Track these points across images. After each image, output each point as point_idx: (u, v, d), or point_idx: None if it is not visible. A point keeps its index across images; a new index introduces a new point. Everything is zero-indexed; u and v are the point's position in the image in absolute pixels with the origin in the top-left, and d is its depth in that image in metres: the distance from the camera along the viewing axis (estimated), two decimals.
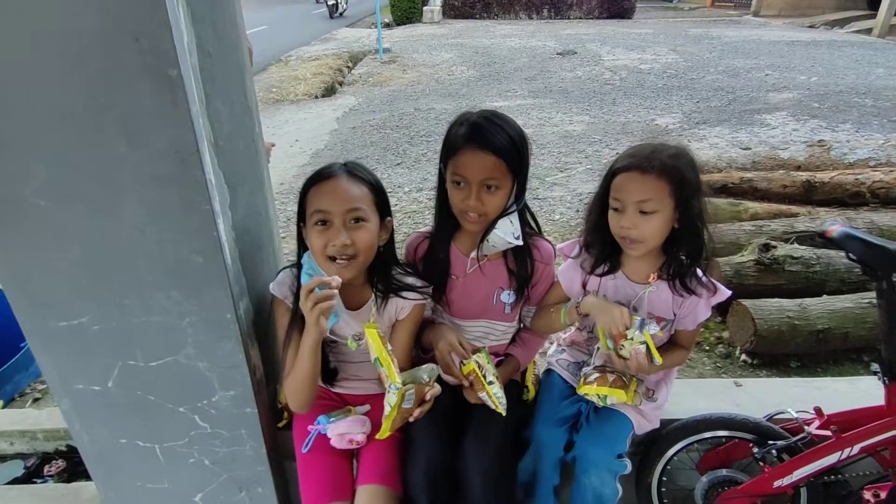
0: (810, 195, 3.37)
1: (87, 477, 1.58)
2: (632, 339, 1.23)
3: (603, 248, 1.35)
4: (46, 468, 1.88)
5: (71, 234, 1.11)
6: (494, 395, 1.27)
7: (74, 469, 1.87)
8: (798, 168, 3.65)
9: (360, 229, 1.21)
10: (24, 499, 1.68)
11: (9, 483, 1.85)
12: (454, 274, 1.41)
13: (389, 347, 1.18)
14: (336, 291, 1.14)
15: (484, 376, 1.28)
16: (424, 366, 1.23)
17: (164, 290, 1.17)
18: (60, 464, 1.89)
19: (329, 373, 1.38)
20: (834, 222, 1.45)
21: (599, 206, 1.32)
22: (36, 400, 2.48)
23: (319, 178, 1.23)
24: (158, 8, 0.92)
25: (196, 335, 1.22)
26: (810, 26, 13.25)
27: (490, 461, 1.26)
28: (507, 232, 1.30)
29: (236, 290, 1.21)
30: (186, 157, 1.04)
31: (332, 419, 1.33)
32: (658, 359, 1.24)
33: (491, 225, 1.30)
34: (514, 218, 1.31)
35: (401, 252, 1.46)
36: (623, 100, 6.83)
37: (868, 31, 11.71)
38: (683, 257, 1.30)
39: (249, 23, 1.31)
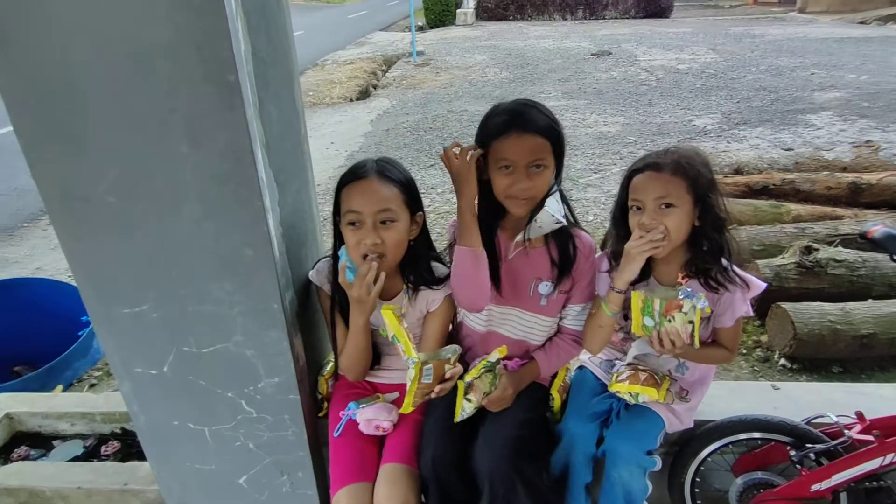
0: (856, 197, 3.24)
1: (141, 457, 1.67)
2: (685, 312, 1.22)
3: None
4: (103, 448, 1.99)
5: (136, 229, 1.20)
6: (462, 406, 1.30)
7: (128, 450, 1.98)
8: (843, 169, 3.52)
9: (389, 230, 1.27)
10: (85, 474, 1.79)
11: (69, 461, 1.97)
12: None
13: (405, 325, 1.24)
14: (375, 266, 1.24)
15: (469, 386, 1.30)
16: (448, 346, 1.28)
17: (217, 280, 1.25)
18: (116, 445, 2.00)
19: (374, 355, 1.44)
20: (876, 223, 1.42)
21: (621, 215, 1.35)
22: (92, 385, 2.64)
23: (352, 177, 1.29)
24: (219, 19, 0.99)
25: (245, 324, 1.29)
26: (861, 22, 12.65)
27: (499, 462, 1.27)
28: (555, 210, 1.31)
29: (283, 281, 1.28)
30: (241, 157, 1.11)
31: (361, 405, 1.39)
32: (697, 342, 1.25)
33: (536, 208, 1.31)
34: (558, 197, 1.33)
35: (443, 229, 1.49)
36: (659, 100, 6.70)
37: None
38: (706, 250, 1.31)
39: None
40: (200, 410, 1.44)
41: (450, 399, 1.36)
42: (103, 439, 2.04)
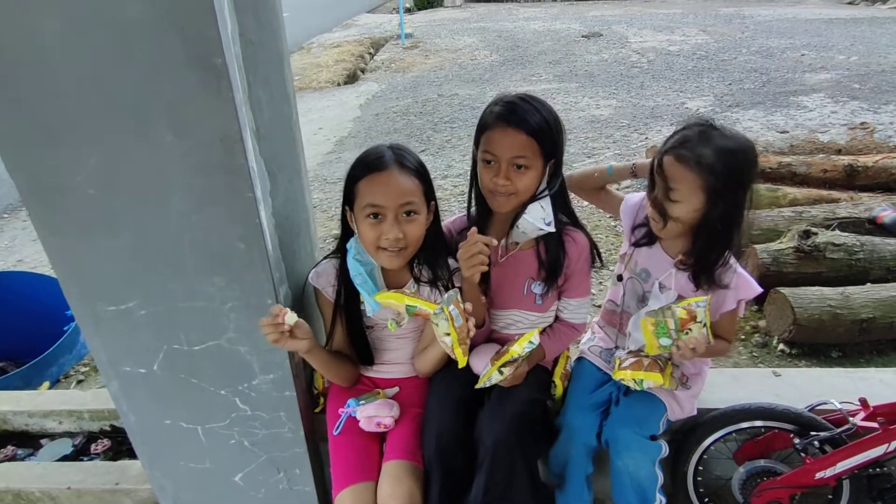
0: (852, 180, 3.22)
1: (131, 455, 1.63)
2: (701, 321, 1.22)
3: None
4: (93, 447, 1.95)
5: (119, 222, 1.14)
6: (490, 376, 1.27)
7: (119, 448, 1.93)
8: (839, 152, 3.50)
9: (411, 223, 1.22)
10: (74, 474, 1.74)
11: (58, 461, 1.92)
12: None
13: (407, 290, 1.19)
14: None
15: (513, 361, 1.26)
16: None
17: (207, 275, 1.19)
18: (106, 443, 1.95)
19: (369, 356, 1.40)
20: (885, 208, 1.40)
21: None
22: (80, 382, 2.57)
23: (371, 169, 1.22)
24: None
25: (238, 320, 1.25)
26: (850, 2, 12.63)
27: (505, 433, 1.25)
28: (537, 217, 1.27)
29: (277, 275, 1.23)
30: (230, 145, 1.05)
31: (361, 402, 1.35)
32: (711, 338, 1.25)
33: (521, 210, 1.28)
34: (546, 203, 1.29)
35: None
36: (651, 83, 6.64)
37: None
38: (710, 242, 1.28)
39: None
40: (193, 409, 1.40)
41: (452, 376, 1.35)
42: (92, 437, 2.00)
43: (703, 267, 1.29)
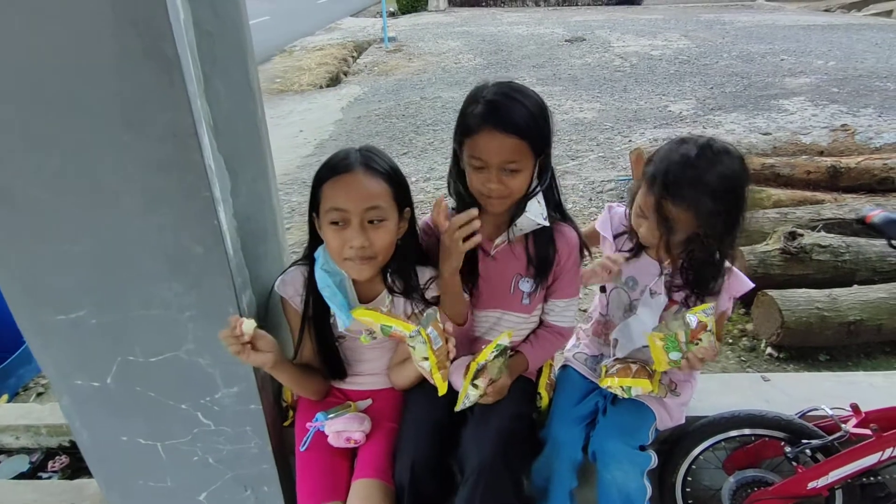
0: (836, 181, 3.24)
1: (91, 474, 1.54)
2: (710, 330, 1.19)
3: None
4: (50, 464, 1.86)
5: (67, 225, 1.06)
6: (467, 393, 1.21)
7: (78, 465, 1.84)
8: (821, 153, 3.51)
9: (377, 230, 1.13)
10: (28, 494, 1.66)
11: (14, 478, 1.82)
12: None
13: (384, 310, 1.13)
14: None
15: (481, 370, 1.20)
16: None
17: (163, 281, 1.12)
18: (64, 459, 1.86)
19: (341, 370, 1.33)
20: (873, 207, 1.37)
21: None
22: (39, 394, 2.45)
23: (335, 171, 1.13)
24: None
25: (196, 330, 1.17)
26: (826, 10, 12.94)
27: (492, 453, 1.19)
28: (536, 214, 1.23)
29: (239, 281, 1.15)
30: (184, 140, 0.98)
31: (330, 415, 1.27)
32: (717, 345, 1.22)
33: (518, 209, 1.23)
34: (541, 197, 1.24)
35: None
36: (634, 86, 6.68)
37: (888, 14, 11.41)
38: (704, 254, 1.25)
39: (251, 13, 1.24)
40: (152, 424, 1.31)
41: (429, 393, 1.25)
42: (51, 453, 1.91)
43: (698, 282, 1.27)
